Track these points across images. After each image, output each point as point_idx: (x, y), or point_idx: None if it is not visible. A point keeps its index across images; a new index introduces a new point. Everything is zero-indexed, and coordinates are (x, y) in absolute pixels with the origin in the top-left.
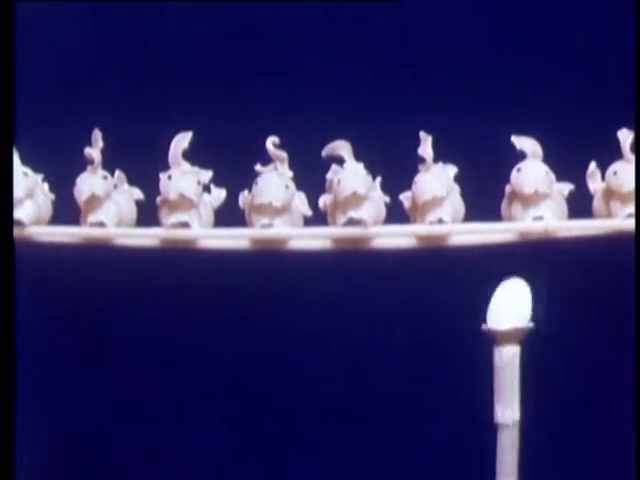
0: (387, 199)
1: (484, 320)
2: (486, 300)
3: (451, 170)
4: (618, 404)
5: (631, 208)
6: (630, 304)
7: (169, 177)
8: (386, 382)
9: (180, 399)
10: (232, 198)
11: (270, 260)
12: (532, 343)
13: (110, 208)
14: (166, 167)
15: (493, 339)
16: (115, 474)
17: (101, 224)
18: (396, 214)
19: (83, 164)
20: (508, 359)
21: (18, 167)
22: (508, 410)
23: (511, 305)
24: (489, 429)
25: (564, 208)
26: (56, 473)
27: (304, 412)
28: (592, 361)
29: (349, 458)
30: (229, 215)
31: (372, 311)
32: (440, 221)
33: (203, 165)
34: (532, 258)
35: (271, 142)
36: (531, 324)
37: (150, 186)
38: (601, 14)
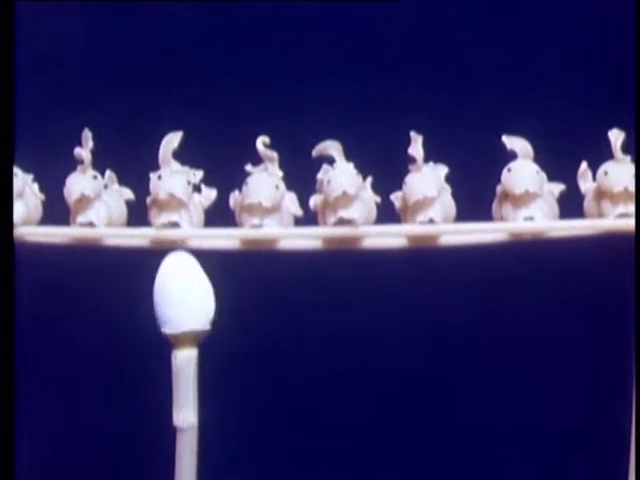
0: (378, 199)
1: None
2: (477, 300)
3: (442, 170)
4: (617, 405)
5: (622, 208)
6: (621, 304)
7: (159, 177)
8: (377, 384)
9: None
10: (222, 198)
11: (260, 260)
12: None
13: (100, 208)
14: (156, 167)
15: (170, 343)
16: (114, 475)
17: (91, 224)
18: (387, 214)
19: (73, 164)
20: (184, 362)
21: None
22: (183, 413)
23: (185, 309)
24: None
25: (555, 208)
26: (56, 474)
27: (293, 414)
28: (587, 361)
29: None
30: (219, 215)
31: (362, 311)
32: (431, 221)
33: (193, 165)
34: (522, 258)
35: (261, 142)
36: (207, 327)
37: (140, 186)
38: (598, 13)
